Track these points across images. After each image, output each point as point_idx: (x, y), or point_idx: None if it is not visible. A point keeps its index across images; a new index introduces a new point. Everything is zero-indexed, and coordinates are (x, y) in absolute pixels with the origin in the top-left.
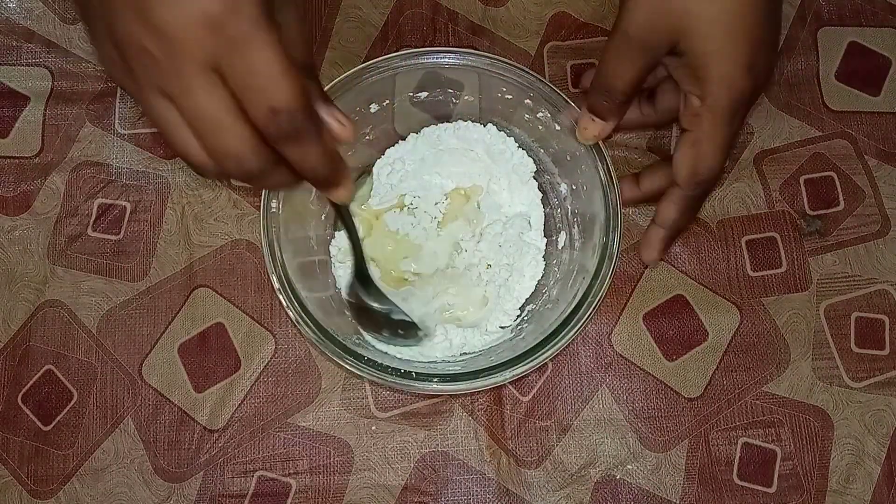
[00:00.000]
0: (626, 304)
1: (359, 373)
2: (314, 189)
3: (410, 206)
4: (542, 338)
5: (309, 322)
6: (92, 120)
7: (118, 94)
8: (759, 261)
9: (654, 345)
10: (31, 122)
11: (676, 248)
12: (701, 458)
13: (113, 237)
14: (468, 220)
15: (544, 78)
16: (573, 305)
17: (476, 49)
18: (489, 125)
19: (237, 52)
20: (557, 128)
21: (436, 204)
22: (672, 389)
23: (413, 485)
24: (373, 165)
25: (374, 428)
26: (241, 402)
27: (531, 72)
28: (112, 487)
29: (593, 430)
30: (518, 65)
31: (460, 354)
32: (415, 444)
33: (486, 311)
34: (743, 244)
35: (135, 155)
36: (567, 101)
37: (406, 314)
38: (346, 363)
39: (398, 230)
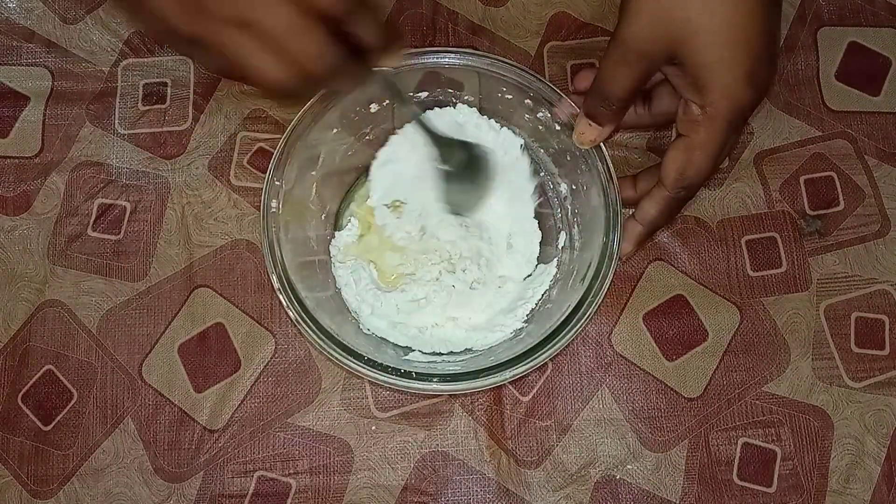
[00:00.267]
0: (626, 304)
1: (359, 373)
2: (314, 187)
3: (397, 207)
4: (543, 338)
5: (309, 322)
6: (92, 120)
7: (118, 94)
8: (759, 261)
9: (654, 345)
10: (31, 122)
11: (676, 248)
12: (701, 458)
13: (113, 237)
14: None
15: (544, 78)
16: (573, 305)
17: (476, 49)
18: (460, 105)
19: None
20: (557, 128)
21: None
22: (672, 389)
23: (413, 485)
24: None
25: (374, 428)
26: (241, 402)
27: (531, 72)
28: (112, 487)
29: (593, 430)
30: (518, 65)
31: (462, 351)
32: (415, 444)
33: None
34: (743, 244)
35: (135, 155)
36: (563, 97)
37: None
38: (346, 363)
39: (385, 226)
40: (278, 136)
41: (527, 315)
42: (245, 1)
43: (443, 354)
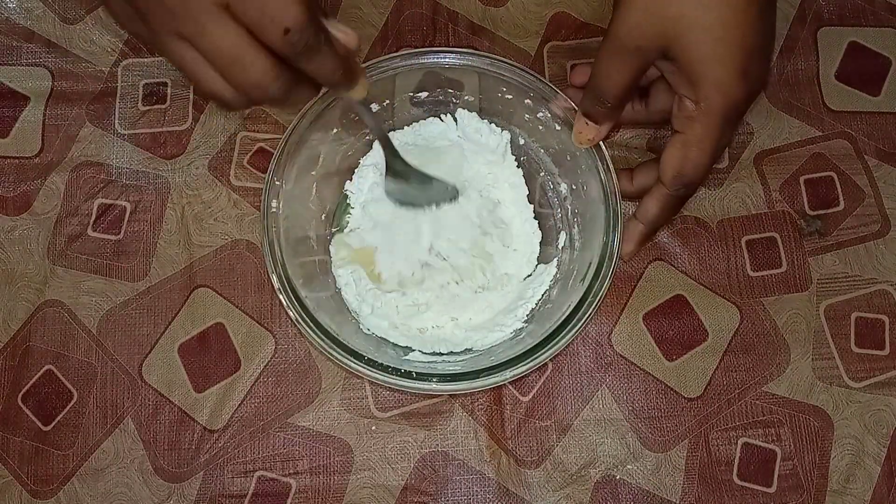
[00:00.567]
0: (626, 304)
1: (359, 373)
2: (314, 187)
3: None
4: (543, 338)
5: (309, 322)
6: (92, 120)
7: (118, 94)
8: (759, 261)
9: (654, 345)
10: (31, 122)
11: (676, 247)
12: (701, 458)
13: (113, 237)
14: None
15: (544, 78)
16: (573, 305)
17: (476, 49)
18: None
19: None
20: (557, 128)
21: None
22: (672, 389)
23: (413, 485)
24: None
25: (374, 428)
26: (241, 402)
27: (531, 72)
28: (112, 487)
29: (593, 430)
30: (518, 65)
31: (462, 351)
32: (415, 444)
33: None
34: (743, 244)
35: (135, 155)
36: (559, 93)
37: (439, 177)
38: (346, 363)
39: (359, 227)
40: (278, 136)
41: (527, 315)
42: (190, 18)
43: (443, 354)
